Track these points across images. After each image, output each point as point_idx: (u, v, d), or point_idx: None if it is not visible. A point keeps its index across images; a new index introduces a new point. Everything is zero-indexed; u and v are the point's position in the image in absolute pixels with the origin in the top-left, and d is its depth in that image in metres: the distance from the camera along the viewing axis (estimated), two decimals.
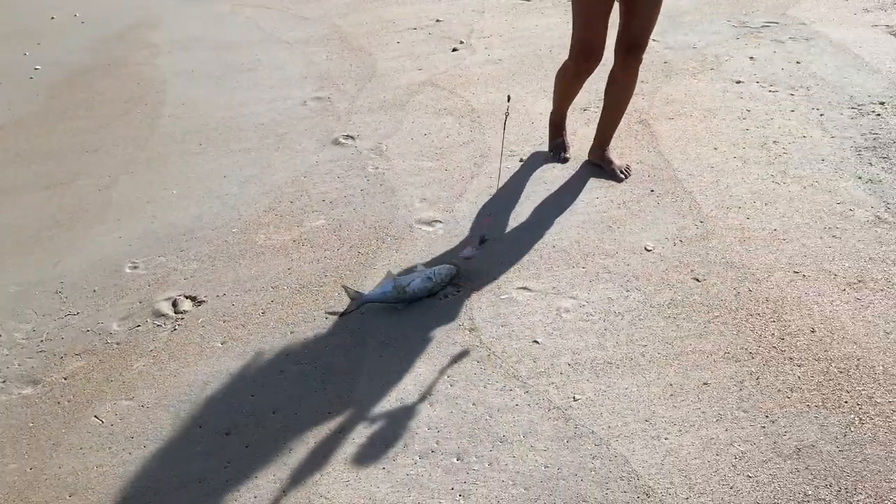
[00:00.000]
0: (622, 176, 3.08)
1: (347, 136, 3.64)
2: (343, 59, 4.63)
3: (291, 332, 2.40)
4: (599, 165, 3.16)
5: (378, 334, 2.35)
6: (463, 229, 2.86)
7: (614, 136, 3.17)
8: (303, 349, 2.32)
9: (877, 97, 3.45)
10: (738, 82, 3.76)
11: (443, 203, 3.04)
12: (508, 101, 2.91)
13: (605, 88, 3.06)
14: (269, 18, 5.61)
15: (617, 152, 3.26)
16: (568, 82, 3.09)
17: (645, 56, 4.19)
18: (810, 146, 3.15)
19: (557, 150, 3.32)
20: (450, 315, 2.40)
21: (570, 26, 2.92)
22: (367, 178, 3.26)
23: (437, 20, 5.15)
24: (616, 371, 2.13)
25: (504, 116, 2.86)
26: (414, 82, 4.21)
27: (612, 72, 2.99)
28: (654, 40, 4.39)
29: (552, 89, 3.39)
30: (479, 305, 2.44)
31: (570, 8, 5.02)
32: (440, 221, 2.92)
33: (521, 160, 3.32)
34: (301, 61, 4.68)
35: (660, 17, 4.65)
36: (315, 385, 2.18)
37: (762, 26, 4.40)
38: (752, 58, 4.01)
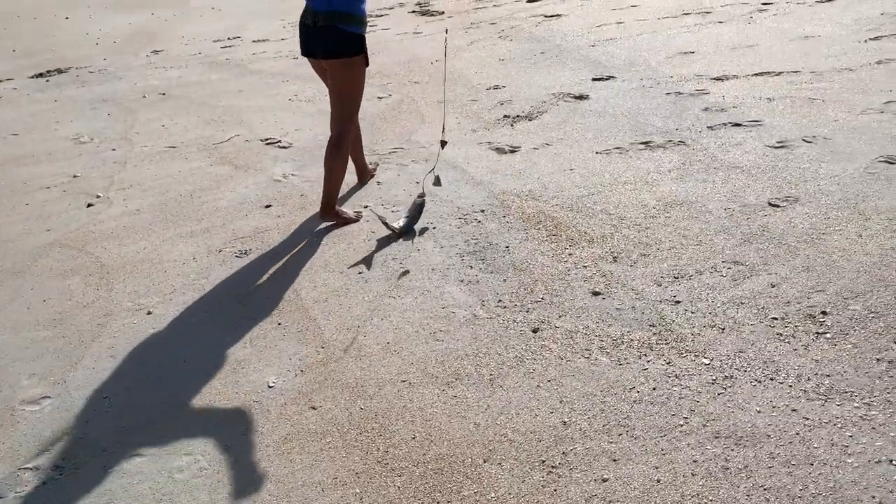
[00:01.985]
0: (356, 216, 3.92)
1: None
2: None
3: None
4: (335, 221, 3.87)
5: None
6: (76, 401, 2.65)
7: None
8: None
9: (479, 206, 3.92)
10: (365, 206, 4.05)
11: (54, 375, 2.81)
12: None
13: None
14: None
15: (247, 288, 3.32)
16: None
17: (283, 189, 4.39)
18: (424, 258, 3.46)
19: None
20: None
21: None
22: None
23: (75, 176, 4.93)
24: None
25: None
26: (39, 245, 3.94)
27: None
28: (292, 174, 4.61)
29: (196, 231, 3.36)
30: (77, 488, 2.24)
31: (212, 152, 5.12)
32: (49, 397, 2.68)
33: (149, 312, 3.21)
34: None
35: (300, 155, 4.94)
36: None
37: (390, 152, 4.84)
38: (379, 182, 4.37)
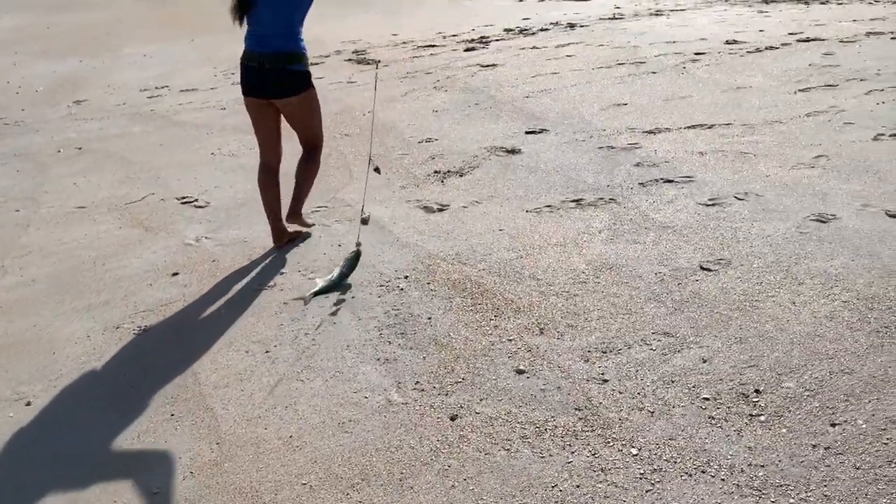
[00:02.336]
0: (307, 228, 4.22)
1: None
2: None
3: None
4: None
5: None
6: None
7: None
8: None
9: (402, 271, 3.70)
10: (282, 273, 3.80)
11: None
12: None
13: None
14: None
15: (142, 372, 3.01)
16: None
17: (194, 255, 4.10)
18: (338, 332, 3.21)
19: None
20: None
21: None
22: None
23: None
24: None
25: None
26: None
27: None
28: (205, 237, 4.33)
29: (94, 305, 3.06)
30: None
31: (123, 213, 4.81)
32: None
33: (28, 403, 2.88)
34: None
35: (216, 215, 4.67)
36: None
37: (313, 211, 4.60)
38: (298, 246, 4.12)
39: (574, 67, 7.73)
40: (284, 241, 4.09)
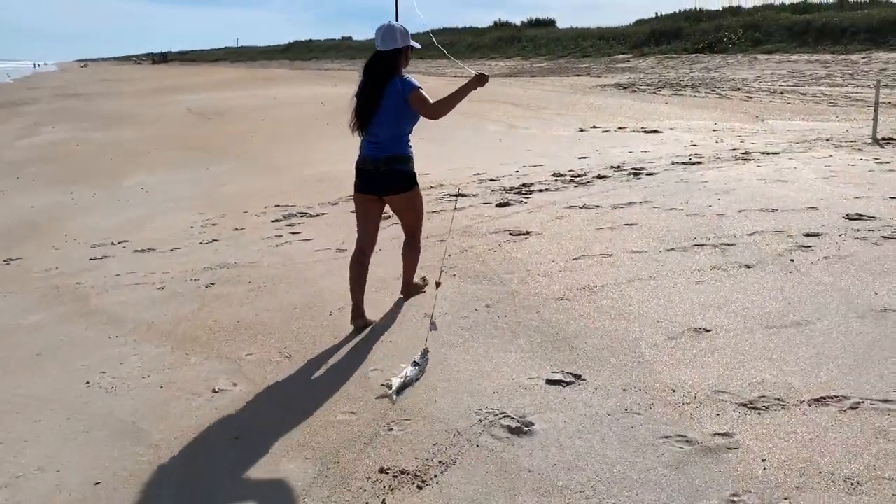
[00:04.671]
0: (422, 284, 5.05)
1: None
2: None
3: None
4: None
5: None
6: None
7: None
8: None
9: None
10: None
11: None
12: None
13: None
14: None
15: None
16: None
17: None
18: None
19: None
20: None
21: None
22: None
23: None
24: None
25: None
26: None
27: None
28: None
29: None
30: None
31: None
32: None
33: None
34: None
35: None
36: None
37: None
38: None
39: (634, 246, 5.68)
40: (360, 322, 4.40)
